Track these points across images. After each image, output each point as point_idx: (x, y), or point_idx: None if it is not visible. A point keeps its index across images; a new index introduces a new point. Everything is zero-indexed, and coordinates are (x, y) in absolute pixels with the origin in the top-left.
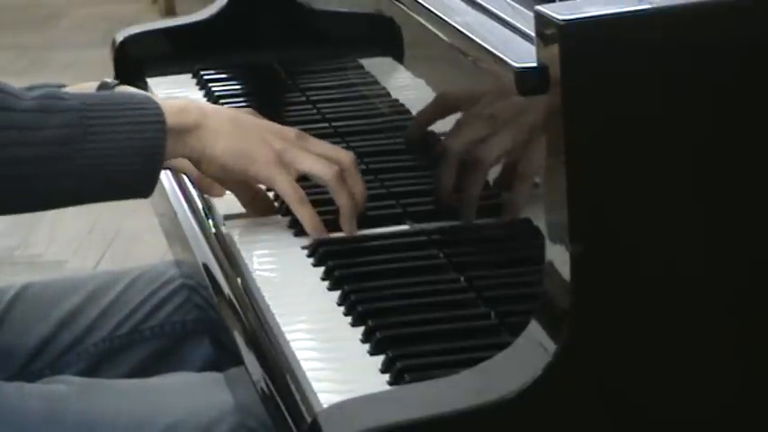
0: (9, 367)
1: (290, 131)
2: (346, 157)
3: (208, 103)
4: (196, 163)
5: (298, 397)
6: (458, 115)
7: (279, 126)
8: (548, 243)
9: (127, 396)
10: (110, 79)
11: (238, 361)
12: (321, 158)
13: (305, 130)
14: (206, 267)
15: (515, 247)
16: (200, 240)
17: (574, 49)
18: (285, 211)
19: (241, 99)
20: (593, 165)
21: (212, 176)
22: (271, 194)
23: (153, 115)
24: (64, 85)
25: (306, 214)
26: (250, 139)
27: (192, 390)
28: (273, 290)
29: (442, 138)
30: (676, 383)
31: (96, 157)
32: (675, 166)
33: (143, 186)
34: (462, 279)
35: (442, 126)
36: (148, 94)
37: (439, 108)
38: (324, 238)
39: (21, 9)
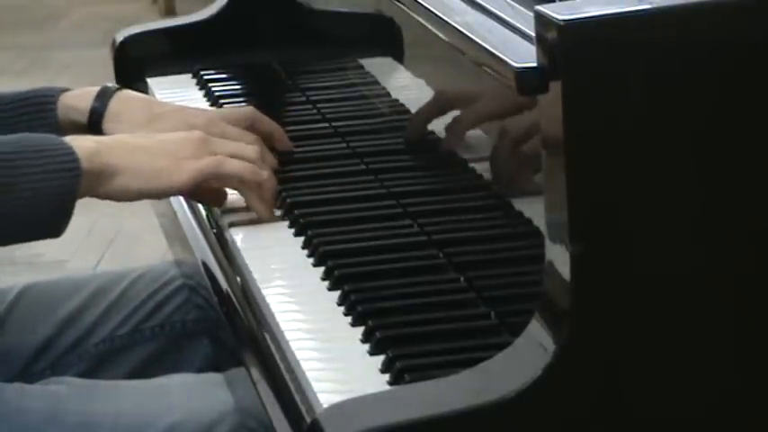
0: (11, 368)
1: (194, 136)
2: (251, 150)
3: (112, 137)
4: (108, 199)
5: (298, 397)
6: (457, 115)
7: (182, 134)
8: (548, 243)
9: (127, 397)
10: (110, 84)
11: (238, 361)
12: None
13: (305, 130)
14: (206, 267)
15: (515, 247)
16: (201, 240)
17: (574, 49)
18: (285, 211)
19: (241, 99)
20: (592, 165)
21: (132, 201)
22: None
23: (68, 162)
24: (67, 89)
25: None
26: (156, 159)
27: (193, 390)
28: (273, 290)
29: (442, 138)
30: (676, 383)
31: (10, 207)
32: (675, 165)
33: (55, 230)
34: (462, 279)
35: (442, 126)
36: (64, 140)
37: (437, 106)
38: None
39: (21, 9)
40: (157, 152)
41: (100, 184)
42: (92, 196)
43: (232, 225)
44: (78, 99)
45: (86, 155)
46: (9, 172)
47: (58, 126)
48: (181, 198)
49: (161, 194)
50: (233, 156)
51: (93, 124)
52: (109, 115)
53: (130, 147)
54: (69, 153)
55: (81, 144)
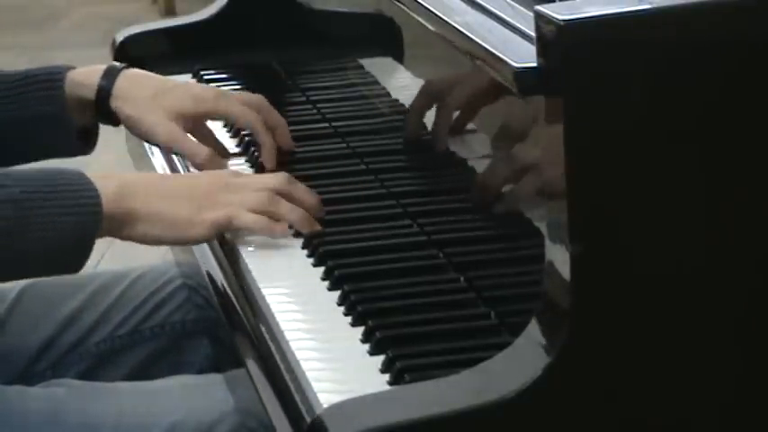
0: (12, 368)
1: (220, 180)
2: (276, 180)
3: (138, 176)
4: (134, 241)
5: (298, 397)
6: (456, 116)
7: (206, 178)
8: (548, 243)
9: (128, 398)
10: (117, 63)
11: (238, 361)
12: (250, 193)
13: (305, 130)
14: (206, 267)
15: (515, 247)
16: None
17: (574, 49)
18: None
19: None
20: (592, 165)
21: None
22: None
23: (91, 205)
24: (73, 67)
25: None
26: (179, 207)
27: (193, 391)
28: (273, 290)
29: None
30: (676, 383)
31: (32, 246)
32: (675, 165)
33: (74, 268)
34: (462, 279)
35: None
36: (87, 175)
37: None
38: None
39: (21, 9)
40: (180, 199)
41: (120, 228)
42: (114, 237)
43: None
44: (86, 76)
45: (109, 198)
46: (31, 211)
47: (65, 104)
48: None
49: (179, 244)
50: (259, 189)
51: (101, 101)
52: (116, 93)
53: (154, 191)
54: (93, 196)
55: (106, 185)
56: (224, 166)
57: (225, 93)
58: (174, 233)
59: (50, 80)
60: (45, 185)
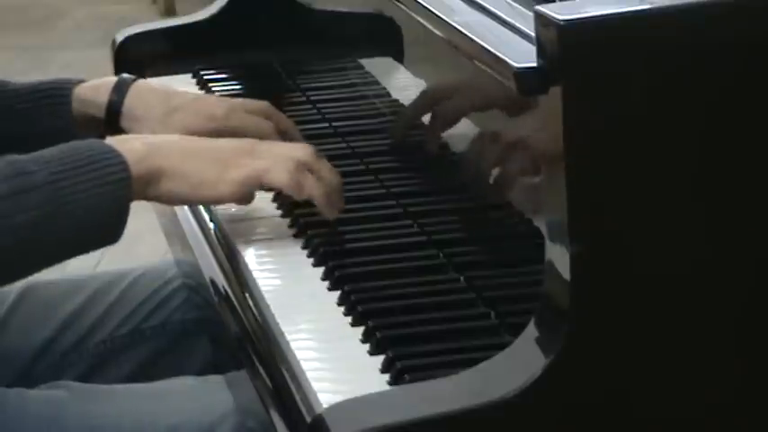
0: (12, 369)
1: (245, 144)
2: (303, 151)
3: (161, 137)
4: (155, 201)
5: (298, 397)
6: (456, 116)
7: (233, 142)
8: (548, 243)
9: (128, 400)
10: (127, 75)
11: (238, 361)
12: (279, 162)
13: (305, 130)
14: (206, 267)
15: (515, 247)
16: (201, 240)
17: (574, 49)
18: (285, 212)
19: None
20: (592, 165)
21: (179, 205)
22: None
23: (118, 171)
24: (83, 80)
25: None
26: (205, 166)
27: (193, 392)
28: (273, 290)
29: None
30: (676, 383)
31: (68, 229)
32: (675, 165)
33: (111, 239)
34: (462, 279)
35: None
36: (110, 144)
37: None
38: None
39: (21, 9)
40: (205, 159)
41: (149, 186)
42: (140, 199)
43: (232, 225)
44: (94, 92)
45: (135, 159)
46: (62, 192)
47: (73, 120)
48: None
49: (205, 203)
50: (285, 158)
51: (111, 121)
52: (126, 112)
53: (178, 149)
54: (119, 162)
55: (129, 147)
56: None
57: (234, 106)
58: (200, 192)
59: (58, 95)
60: (71, 163)
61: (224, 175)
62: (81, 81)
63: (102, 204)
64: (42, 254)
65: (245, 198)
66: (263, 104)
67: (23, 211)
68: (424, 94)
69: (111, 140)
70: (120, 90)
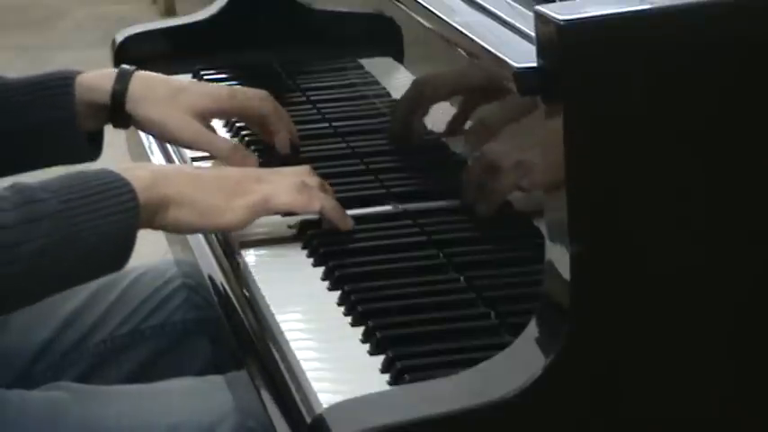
0: (12, 369)
1: (250, 175)
2: (305, 171)
3: (168, 166)
4: (168, 230)
5: (298, 397)
6: (456, 116)
7: (237, 172)
8: (548, 243)
9: (128, 400)
10: (127, 66)
11: (238, 361)
12: (284, 188)
13: (305, 130)
14: (206, 267)
15: (515, 247)
16: (201, 240)
17: (574, 48)
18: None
19: None
20: (592, 165)
21: (186, 234)
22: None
23: (127, 201)
24: (80, 72)
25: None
26: (212, 195)
27: (193, 392)
28: (273, 290)
29: (442, 138)
30: (676, 383)
31: (77, 256)
32: (675, 165)
33: (118, 266)
34: (462, 279)
35: (441, 126)
36: (118, 172)
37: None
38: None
39: (21, 9)
40: (212, 187)
41: (156, 214)
42: (147, 227)
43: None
44: (97, 80)
45: (142, 187)
46: (72, 221)
47: (75, 109)
48: None
49: (212, 231)
50: (290, 180)
51: (117, 106)
52: (132, 96)
53: (185, 177)
54: (128, 191)
55: (137, 175)
56: (252, 160)
57: (235, 89)
58: (206, 220)
59: (60, 85)
60: (80, 192)
61: (231, 203)
62: (80, 72)
63: (110, 233)
64: (49, 281)
65: (246, 221)
66: (261, 92)
67: (33, 240)
68: (419, 88)
69: (118, 169)
70: (123, 77)
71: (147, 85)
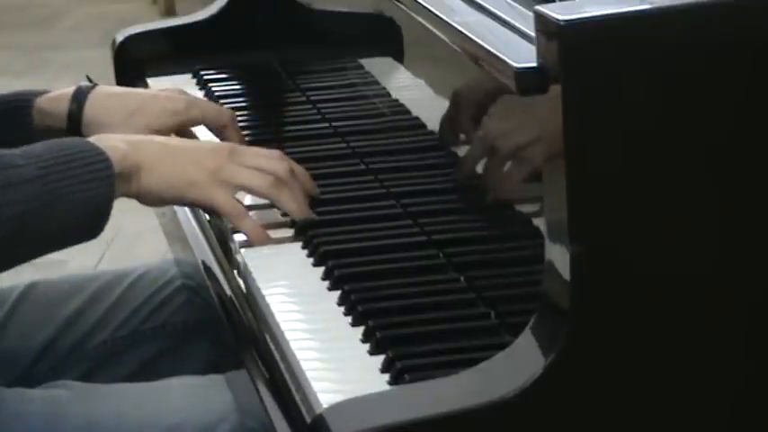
0: (13, 370)
1: (223, 148)
2: (279, 165)
3: (139, 137)
4: (135, 198)
5: (298, 397)
6: (457, 116)
7: (210, 145)
8: (548, 243)
9: (128, 399)
10: (84, 83)
11: (238, 361)
12: (255, 171)
13: (305, 130)
14: (206, 267)
15: (515, 247)
16: (201, 240)
17: (574, 49)
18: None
19: (241, 99)
20: (593, 165)
21: (154, 206)
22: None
23: (103, 168)
24: (45, 92)
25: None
26: (183, 166)
27: (193, 391)
28: (273, 290)
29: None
30: (676, 383)
31: (56, 221)
32: (675, 165)
33: (92, 234)
34: (462, 279)
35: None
36: (93, 142)
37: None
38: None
39: (21, 9)
40: (183, 158)
41: (130, 182)
42: (122, 195)
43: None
44: (54, 103)
45: (118, 157)
46: (49, 187)
47: (34, 132)
48: None
49: (181, 202)
50: (259, 168)
51: (73, 130)
52: (86, 120)
53: (157, 147)
54: (103, 160)
55: (112, 145)
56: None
57: (193, 101)
58: (178, 191)
59: (19, 107)
60: (58, 158)
61: (200, 176)
62: (44, 92)
63: (87, 200)
64: (26, 247)
65: (221, 200)
66: (218, 106)
67: (11, 204)
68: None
69: (92, 139)
70: (78, 99)
71: (103, 107)
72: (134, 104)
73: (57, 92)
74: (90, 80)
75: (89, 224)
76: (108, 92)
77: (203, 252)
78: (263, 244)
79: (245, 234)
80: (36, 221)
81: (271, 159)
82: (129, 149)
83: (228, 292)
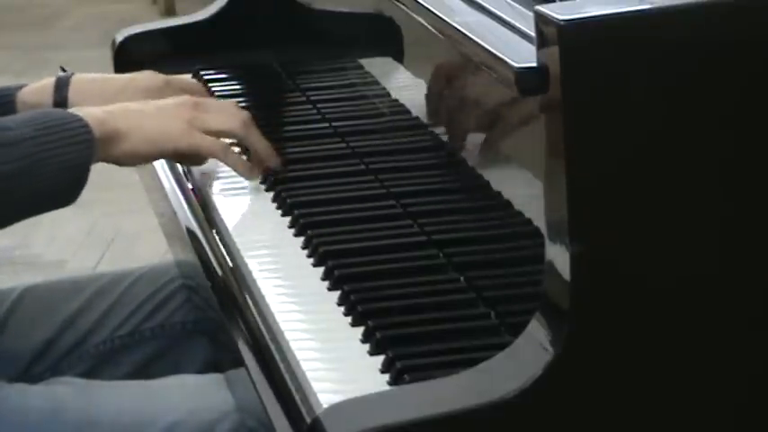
0: (12, 370)
1: (188, 101)
2: (241, 111)
3: (114, 105)
4: (115, 162)
5: (298, 397)
6: (457, 116)
7: (175, 100)
8: (548, 243)
9: (128, 396)
10: (63, 73)
11: (238, 361)
12: (223, 115)
13: (305, 129)
14: (206, 267)
15: (515, 247)
16: (201, 240)
17: (574, 49)
18: (284, 211)
19: (241, 99)
20: (592, 164)
21: (136, 165)
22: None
23: (83, 133)
24: (21, 87)
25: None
26: (160, 122)
27: (193, 390)
28: (273, 290)
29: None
30: (676, 383)
31: (38, 183)
32: (675, 165)
33: (70, 199)
34: (462, 279)
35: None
36: (74, 111)
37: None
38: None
39: (21, 9)
40: (156, 116)
41: (110, 146)
42: (102, 160)
43: (232, 224)
44: (38, 95)
45: (97, 123)
46: (30, 151)
47: None
48: (181, 198)
49: (164, 156)
50: (225, 113)
51: None
52: (72, 106)
53: (132, 110)
54: (82, 125)
55: (90, 113)
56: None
57: (170, 78)
58: (157, 145)
59: (1, 104)
60: (44, 123)
61: (179, 127)
62: (22, 86)
63: (70, 163)
64: (12, 208)
65: (206, 143)
66: (194, 81)
67: (5, 163)
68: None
69: (73, 110)
70: (60, 89)
71: (85, 94)
72: (115, 87)
73: (36, 84)
74: (64, 70)
75: (70, 187)
76: (87, 78)
77: (203, 252)
78: (250, 176)
79: (233, 168)
80: (24, 182)
81: (232, 106)
82: (107, 116)
83: (228, 292)
